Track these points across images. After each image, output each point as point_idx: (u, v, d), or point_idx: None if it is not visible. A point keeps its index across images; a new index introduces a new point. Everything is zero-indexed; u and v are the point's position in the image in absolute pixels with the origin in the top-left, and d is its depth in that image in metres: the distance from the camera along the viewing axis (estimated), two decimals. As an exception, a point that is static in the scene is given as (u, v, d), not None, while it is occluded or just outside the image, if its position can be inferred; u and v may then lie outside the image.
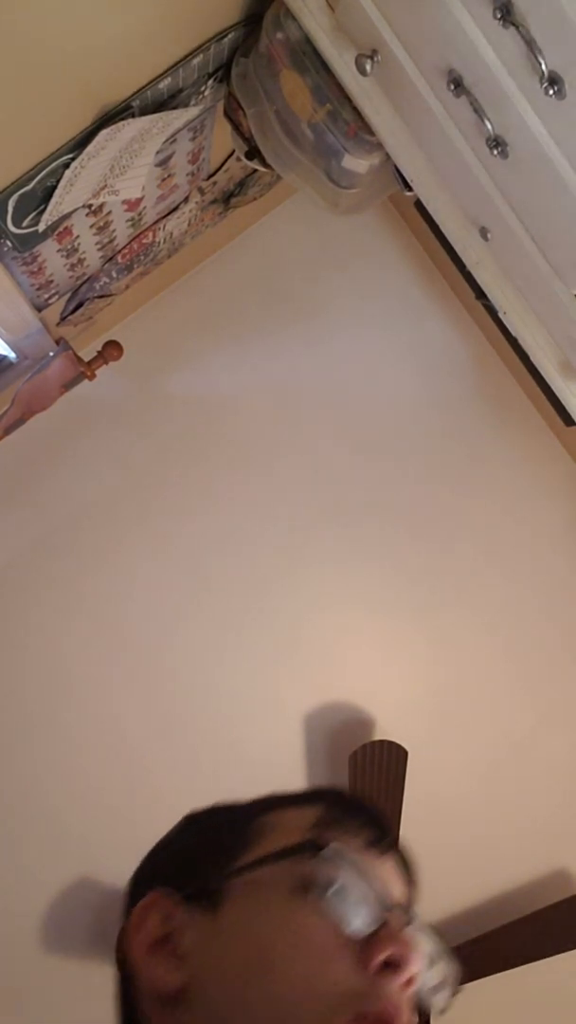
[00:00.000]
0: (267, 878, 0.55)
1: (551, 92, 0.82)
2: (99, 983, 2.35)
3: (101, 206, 1.43)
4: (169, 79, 1.22)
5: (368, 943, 0.53)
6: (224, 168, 1.69)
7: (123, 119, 1.19)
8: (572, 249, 1.03)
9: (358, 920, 0.54)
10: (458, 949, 2.04)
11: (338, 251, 2.25)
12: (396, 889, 0.58)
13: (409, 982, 0.53)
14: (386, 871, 0.58)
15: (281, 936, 0.52)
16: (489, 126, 0.95)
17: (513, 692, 2.28)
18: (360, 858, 0.56)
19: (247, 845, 0.58)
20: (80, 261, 1.58)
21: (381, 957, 0.53)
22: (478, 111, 0.95)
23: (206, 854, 0.59)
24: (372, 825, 0.60)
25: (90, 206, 1.38)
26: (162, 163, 1.45)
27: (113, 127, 1.18)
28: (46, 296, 1.64)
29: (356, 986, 0.51)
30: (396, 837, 0.61)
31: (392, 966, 0.53)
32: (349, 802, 0.62)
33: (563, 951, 1.97)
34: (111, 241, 1.60)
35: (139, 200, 1.50)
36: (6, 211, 1.24)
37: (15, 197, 1.22)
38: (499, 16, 0.81)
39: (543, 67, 0.81)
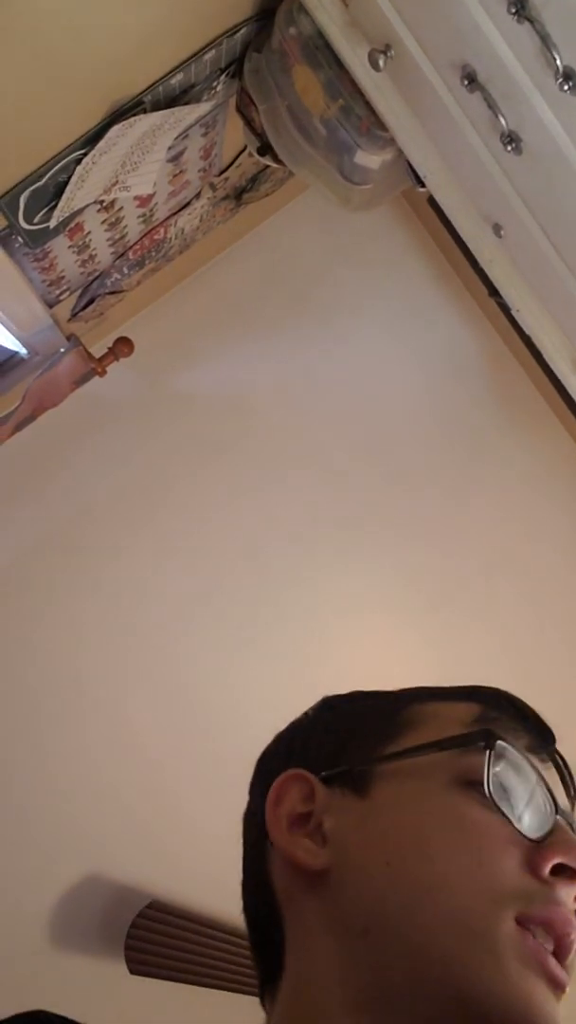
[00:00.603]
0: (426, 766, 0.52)
1: (566, 87, 0.81)
2: (107, 979, 2.36)
3: (112, 202, 1.42)
4: (181, 74, 1.21)
5: (540, 846, 0.50)
6: (236, 164, 1.68)
7: (135, 115, 1.19)
8: (586, 246, 1.02)
9: (529, 819, 0.50)
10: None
11: (350, 247, 2.24)
12: (561, 797, 0.55)
13: None
14: (551, 777, 0.55)
15: (443, 826, 0.49)
16: (503, 122, 0.94)
17: (519, 695, 2.26)
18: (528, 759, 0.53)
19: (399, 732, 0.55)
20: (91, 257, 1.58)
21: (556, 860, 0.49)
22: (492, 107, 0.94)
23: (352, 737, 0.56)
24: (535, 728, 0.57)
25: (101, 202, 1.38)
26: (174, 159, 1.44)
27: (125, 123, 1.17)
28: (57, 292, 1.64)
29: (524, 886, 0.48)
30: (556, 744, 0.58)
31: (567, 873, 0.49)
32: (510, 701, 0.58)
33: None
34: (122, 237, 1.60)
35: (150, 196, 1.50)
36: (18, 207, 1.24)
37: (27, 193, 1.22)
38: (514, 11, 0.80)
39: (558, 62, 0.80)
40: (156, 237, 1.72)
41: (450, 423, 2.27)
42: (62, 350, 1.81)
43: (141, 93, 1.20)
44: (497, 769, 0.51)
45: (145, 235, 1.67)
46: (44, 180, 1.21)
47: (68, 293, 1.69)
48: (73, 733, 2.20)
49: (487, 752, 0.51)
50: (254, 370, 2.25)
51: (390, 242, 2.24)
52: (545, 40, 0.80)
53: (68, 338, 1.82)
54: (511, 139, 0.95)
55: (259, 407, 2.24)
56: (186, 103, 1.27)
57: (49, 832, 2.19)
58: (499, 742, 0.52)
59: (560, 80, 0.81)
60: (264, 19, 1.27)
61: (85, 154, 1.20)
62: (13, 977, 2.20)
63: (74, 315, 1.81)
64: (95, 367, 1.86)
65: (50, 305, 1.67)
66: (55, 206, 1.27)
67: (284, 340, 2.25)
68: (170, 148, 1.35)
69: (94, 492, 2.22)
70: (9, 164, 1.17)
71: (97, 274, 1.70)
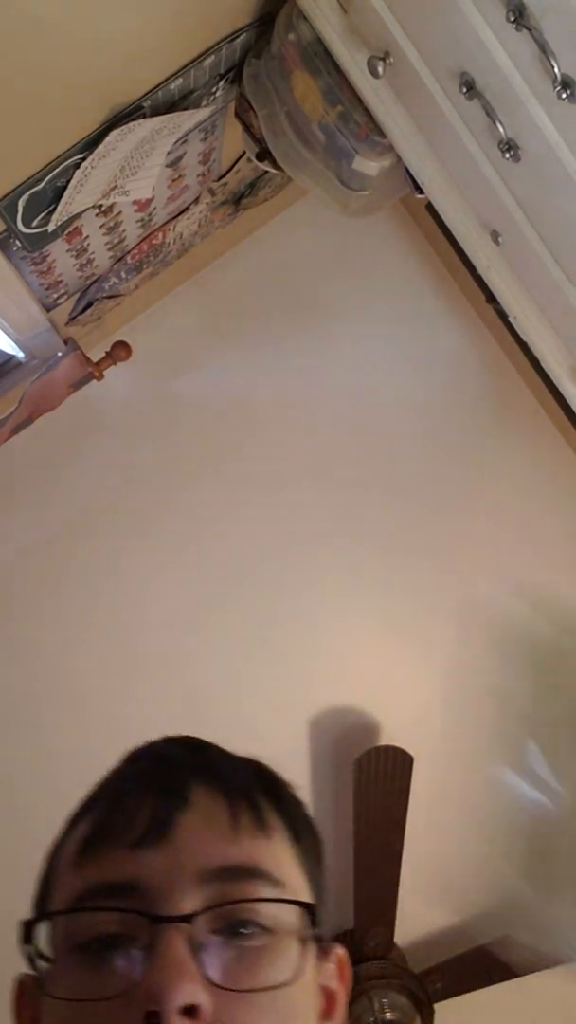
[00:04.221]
0: None
1: (564, 96, 0.81)
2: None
3: (111, 206, 1.42)
4: (180, 80, 1.22)
5: None
6: (235, 169, 1.68)
7: (134, 119, 1.19)
8: (584, 254, 1.02)
9: None
10: (461, 958, 2.03)
11: (349, 253, 2.24)
12: None
13: None
14: None
15: None
16: (501, 129, 0.94)
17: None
18: None
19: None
20: (89, 261, 1.58)
21: None
22: (490, 114, 0.94)
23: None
24: None
25: (100, 206, 1.38)
26: (173, 164, 1.44)
27: (124, 127, 1.17)
28: (55, 296, 1.64)
29: None
30: None
31: None
32: None
33: (567, 962, 1.96)
34: (121, 241, 1.60)
35: (149, 200, 1.50)
36: (16, 210, 1.24)
37: (25, 196, 1.22)
38: (512, 19, 0.81)
39: (556, 70, 0.80)
40: (154, 241, 1.72)
41: (447, 429, 2.27)
42: (59, 354, 1.81)
43: (140, 98, 1.20)
44: None
45: (143, 239, 1.67)
46: (43, 184, 1.21)
47: (66, 297, 1.68)
48: (70, 738, 2.19)
49: None
50: (252, 375, 2.25)
51: (388, 248, 2.24)
52: (543, 48, 0.80)
53: (65, 342, 1.82)
54: (509, 147, 0.95)
55: (256, 412, 2.24)
56: (185, 108, 1.27)
57: (43, 837, 2.18)
58: None
59: (558, 88, 0.81)
60: (263, 25, 1.28)
61: (84, 158, 1.20)
62: (5, 982, 2.19)
63: (72, 319, 1.81)
64: (92, 371, 1.86)
65: (48, 309, 1.67)
66: (54, 210, 1.27)
67: (282, 345, 2.25)
68: (169, 153, 1.35)
69: (91, 496, 2.21)
70: (8, 168, 1.17)
71: (95, 278, 1.70)
